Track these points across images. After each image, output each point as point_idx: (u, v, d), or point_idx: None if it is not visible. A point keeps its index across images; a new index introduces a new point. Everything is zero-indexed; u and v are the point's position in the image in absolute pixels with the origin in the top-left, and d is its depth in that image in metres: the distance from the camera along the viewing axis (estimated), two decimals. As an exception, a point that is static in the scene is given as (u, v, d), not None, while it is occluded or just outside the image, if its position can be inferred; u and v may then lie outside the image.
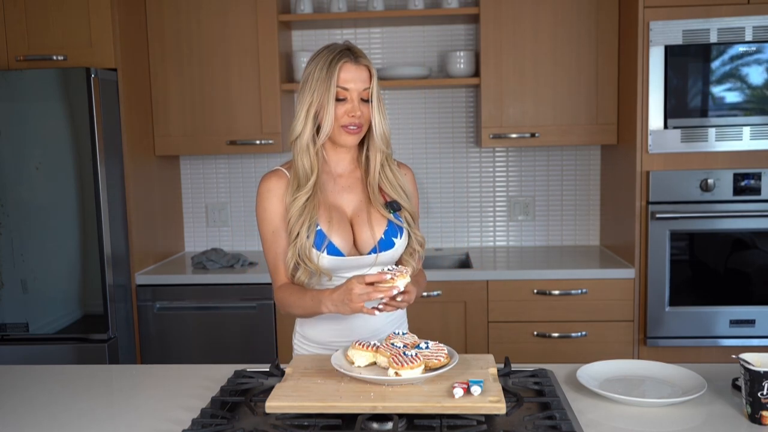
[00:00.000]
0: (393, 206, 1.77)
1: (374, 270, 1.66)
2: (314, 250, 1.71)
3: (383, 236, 1.75)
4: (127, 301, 3.00)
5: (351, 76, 1.69)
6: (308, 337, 1.85)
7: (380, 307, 1.59)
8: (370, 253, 1.74)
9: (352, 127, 1.71)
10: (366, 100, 1.72)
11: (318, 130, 1.73)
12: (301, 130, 1.73)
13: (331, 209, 1.76)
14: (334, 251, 1.71)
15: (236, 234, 3.62)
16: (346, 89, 1.69)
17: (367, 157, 1.80)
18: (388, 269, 1.56)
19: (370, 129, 1.76)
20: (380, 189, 1.80)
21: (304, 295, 1.69)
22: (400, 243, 1.77)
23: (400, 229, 1.78)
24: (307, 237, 1.70)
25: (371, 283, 1.53)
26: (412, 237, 1.80)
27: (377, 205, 1.77)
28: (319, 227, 1.72)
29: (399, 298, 1.58)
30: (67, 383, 1.75)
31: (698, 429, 1.39)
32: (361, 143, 1.80)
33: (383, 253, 1.74)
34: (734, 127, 2.78)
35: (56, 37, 2.89)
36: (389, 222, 1.76)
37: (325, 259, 1.71)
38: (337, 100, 1.70)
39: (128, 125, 2.99)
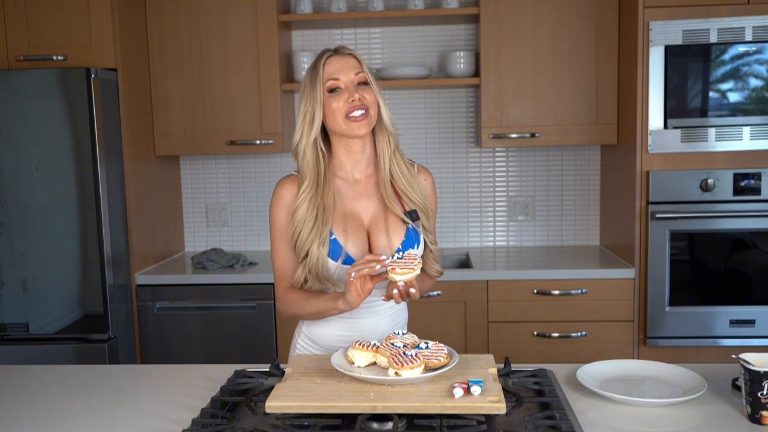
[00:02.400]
0: (411, 216, 1.73)
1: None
2: (330, 261, 1.69)
3: (401, 246, 1.71)
4: (127, 301, 3.00)
5: (338, 66, 1.69)
6: (315, 340, 1.83)
7: (394, 293, 1.59)
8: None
9: (356, 114, 1.68)
10: (365, 83, 1.71)
11: (324, 134, 1.74)
12: (299, 138, 1.72)
13: (346, 217, 1.73)
14: (351, 261, 1.68)
15: (236, 234, 3.62)
16: (336, 79, 1.69)
17: (379, 153, 1.77)
18: (397, 258, 1.56)
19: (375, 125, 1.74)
20: (398, 193, 1.75)
21: (320, 296, 1.70)
22: (419, 253, 1.73)
23: (417, 239, 1.74)
24: (322, 246, 1.67)
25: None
26: (428, 241, 1.77)
27: (394, 207, 1.72)
28: (333, 236, 1.70)
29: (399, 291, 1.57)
30: (67, 383, 1.74)
31: (698, 429, 1.39)
32: (374, 144, 1.78)
33: None
34: (734, 127, 2.78)
35: (56, 37, 2.89)
36: (407, 233, 1.72)
37: (343, 271, 1.68)
38: (332, 91, 1.69)
39: (128, 125, 2.99)
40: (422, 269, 1.78)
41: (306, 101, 1.71)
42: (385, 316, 1.79)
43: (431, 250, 1.79)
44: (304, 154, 1.72)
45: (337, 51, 1.72)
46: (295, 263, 1.75)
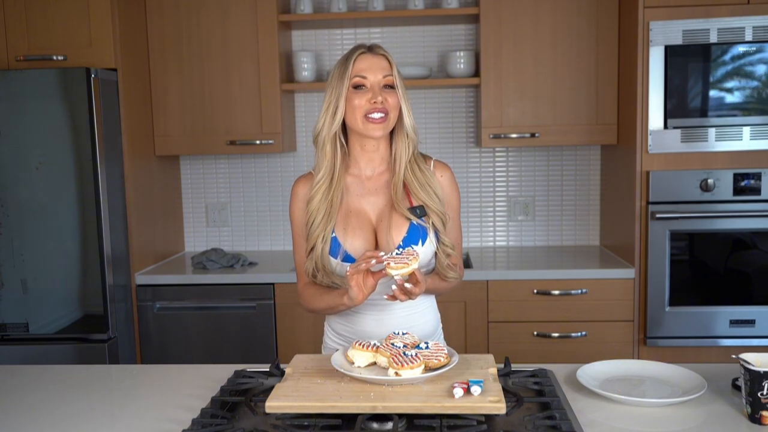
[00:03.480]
0: (416, 212, 1.71)
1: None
2: (331, 259, 1.70)
3: (402, 243, 1.69)
4: (127, 301, 3.00)
5: (367, 65, 1.68)
6: (335, 330, 1.85)
7: (391, 293, 1.59)
8: None
9: (375, 116, 1.67)
10: (391, 87, 1.70)
11: (343, 128, 1.74)
12: (320, 128, 1.72)
13: (349, 214, 1.73)
14: (349, 259, 1.69)
15: (236, 234, 3.62)
16: (363, 77, 1.68)
17: (396, 152, 1.75)
18: (396, 253, 1.55)
19: (395, 125, 1.73)
20: (409, 192, 1.74)
21: (331, 291, 1.70)
22: (421, 250, 1.69)
23: (424, 236, 1.70)
24: (322, 247, 1.69)
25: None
26: (442, 240, 1.73)
27: (400, 207, 1.71)
28: (334, 234, 1.70)
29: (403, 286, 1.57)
30: (67, 383, 1.75)
31: (698, 429, 1.39)
32: (390, 144, 1.77)
33: None
34: (734, 127, 2.78)
35: (56, 37, 2.89)
36: (410, 228, 1.70)
37: (343, 268, 1.69)
38: (357, 87, 1.68)
39: (128, 125, 2.99)
40: (436, 272, 1.77)
41: (331, 92, 1.70)
42: (396, 317, 1.76)
43: (448, 255, 1.74)
44: (324, 146, 1.73)
45: (371, 49, 1.71)
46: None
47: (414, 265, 1.53)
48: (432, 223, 1.72)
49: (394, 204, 1.73)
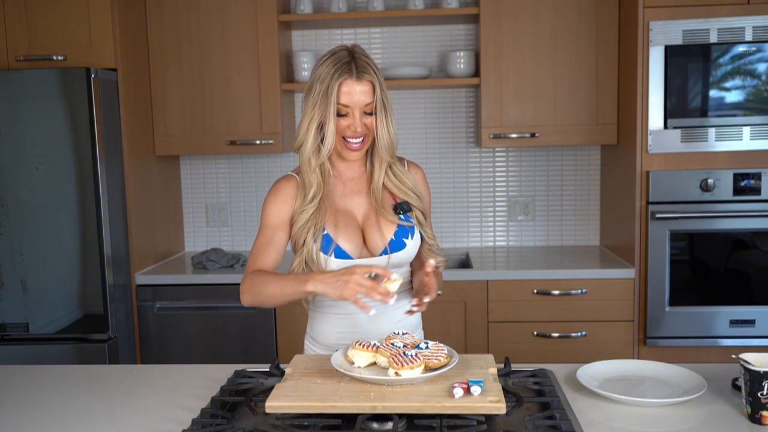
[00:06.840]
0: (403, 207, 1.77)
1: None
2: (322, 255, 1.71)
3: (393, 237, 1.75)
4: (127, 301, 3.00)
5: (350, 94, 1.67)
6: (317, 339, 1.85)
7: (414, 309, 1.63)
8: (381, 255, 1.74)
9: (353, 143, 1.71)
10: (369, 113, 1.71)
11: (323, 141, 1.73)
12: (303, 141, 1.73)
13: (338, 213, 1.76)
14: (341, 255, 1.71)
15: (236, 234, 3.62)
16: (346, 106, 1.68)
17: (372, 165, 1.80)
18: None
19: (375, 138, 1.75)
20: (389, 191, 1.80)
21: (284, 276, 1.64)
22: (412, 243, 1.77)
23: (411, 230, 1.77)
24: (314, 242, 1.70)
25: (373, 278, 1.52)
26: (425, 235, 1.80)
27: (385, 213, 1.76)
28: (326, 231, 1.72)
29: (426, 299, 1.61)
30: (67, 383, 1.75)
31: (698, 429, 1.39)
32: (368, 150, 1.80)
33: (395, 254, 1.74)
34: (734, 127, 2.78)
35: (56, 37, 2.89)
36: (399, 225, 1.76)
37: (333, 263, 1.70)
38: (338, 114, 1.69)
39: (128, 125, 2.99)
40: (419, 260, 1.82)
41: (315, 108, 1.69)
42: (384, 317, 1.78)
43: (429, 245, 1.81)
44: (309, 163, 1.73)
45: (357, 73, 1.66)
46: (275, 249, 1.74)
47: (396, 283, 1.52)
48: (416, 217, 1.79)
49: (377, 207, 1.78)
